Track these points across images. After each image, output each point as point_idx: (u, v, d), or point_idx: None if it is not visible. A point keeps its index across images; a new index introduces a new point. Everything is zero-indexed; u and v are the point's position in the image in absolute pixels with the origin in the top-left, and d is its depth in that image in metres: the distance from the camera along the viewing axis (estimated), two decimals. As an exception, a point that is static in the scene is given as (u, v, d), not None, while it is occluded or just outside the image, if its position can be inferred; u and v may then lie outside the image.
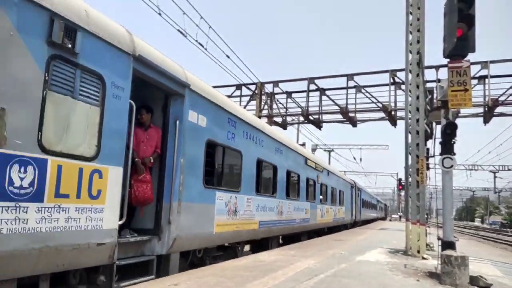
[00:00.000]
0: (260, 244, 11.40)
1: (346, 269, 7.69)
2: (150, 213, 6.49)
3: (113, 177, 4.99)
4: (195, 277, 6.06)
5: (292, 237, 14.85)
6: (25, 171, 3.86)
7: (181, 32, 10.86)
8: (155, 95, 6.75)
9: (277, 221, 11.72)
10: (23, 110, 3.88)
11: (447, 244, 7.23)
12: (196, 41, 11.52)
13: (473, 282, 6.72)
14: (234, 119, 8.75)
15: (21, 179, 3.82)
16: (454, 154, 7.76)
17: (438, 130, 10.19)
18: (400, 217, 59.81)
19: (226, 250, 9.25)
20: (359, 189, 33.64)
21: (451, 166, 7.62)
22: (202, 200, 7.40)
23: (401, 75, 18.23)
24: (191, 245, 7.16)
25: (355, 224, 30.37)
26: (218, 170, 8.32)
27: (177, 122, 6.64)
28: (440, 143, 7.91)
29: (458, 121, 8.18)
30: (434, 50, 9.14)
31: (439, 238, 7.67)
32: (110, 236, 4.87)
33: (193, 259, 7.57)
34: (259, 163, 10.32)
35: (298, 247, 11.80)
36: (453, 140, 7.75)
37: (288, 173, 12.95)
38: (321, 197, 18.31)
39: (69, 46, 4.35)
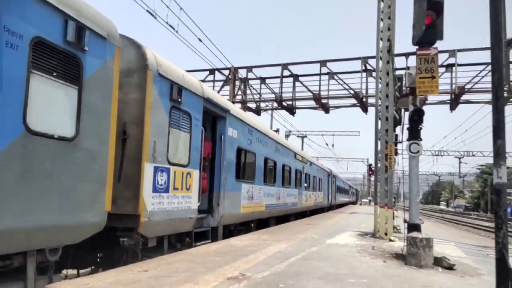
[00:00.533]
0: (263, 222, 14.55)
1: (317, 252, 7.85)
2: (205, 199, 9.19)
3: (195, 176, 8.05)
4: (166, 263, 6.03)
5: (283, 218, 17.97)
6: (162, 175, 6.83)
7: (150, 13, 10.54)
8: (206, 118, 8.90)
9: (276, 205, 15.17)
10: (161, 141, 6.82)
11: (413, 227, 7.50)
12: (167, 23, 11.22)
13: (437, 263, 7.02)
14: (251, 129, 11.98)
15: (161, 179, 6.80)
16: (421, 139, 7.99)
17: (406, 116, 10.47)
18: (369, 201, 61.51)
19: (244, 225, 12.30)
20: (334, 176, 36.96)
21: (418, 152, 7.85)
22: (234, 189, 10.48)
23: (372, 63, 18.52)
24: (229, 221, 10.39)
25: (330, 207, 34.31)
26: (242, 167, 11.30)
27: (222, 136, 9.77)
28: (408, 129, 8.11)
29: (425, 108, 8.39)
30: (404, 38, 9.28)
31: (405, 221, 7.93)
32: (194, 213, 7.97)
33: (227, 231, 10.64)
34: (266, 160, 13.64)
35: (271, 231, 11.94)
36: (420, 126, 7.97)
37: (283, 166, 16.27)
38: (305, 184, 21.70)
39: (179, 100, 7.39)
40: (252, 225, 13.05)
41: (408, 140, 8.14)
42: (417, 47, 7.84)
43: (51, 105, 4.53)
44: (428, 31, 7.56)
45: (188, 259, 6.50)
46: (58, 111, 4.63)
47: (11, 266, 4.26)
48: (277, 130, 26.36)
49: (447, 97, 18.69)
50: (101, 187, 5.26)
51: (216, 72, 21.59)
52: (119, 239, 6.22)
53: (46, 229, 4.41)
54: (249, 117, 12.61)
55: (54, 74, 4.56)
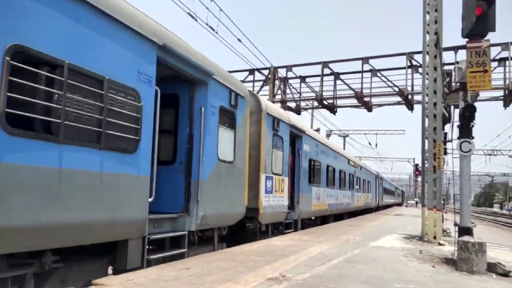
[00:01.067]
0: (324, 219, 17.60)
1: (360, 255, 7.61)
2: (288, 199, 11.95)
3: (286, 182, 11.30)
4: (207, 261, 6.07)
5: (339, 216, 20.86)
6: (269, 181, 9.94)
7: (191, 15, 10.72)
8: (290, 138, 11.83)
9: (335, 204, 18.32)
10: (268, 158, 9.92)
11: (464, 230, 7.08)
12: (207, 24, 11.36)
13: (491, 269, 6.56)
14: (318, 143, 15.15)
15: (269, 184, 9.90)
16: (473, 138, 7.53)
17: (456, 113, 9.93)
18: (416, 203, 59.18)
19: (313, 221, 15.95)
20: (381, 178, 39.75)
21: (469, 150, 7.41)
22: (308, 191, 13.61)
23: (418, 58, 17.76)
24: (305, 216, 13.60)
25: (378, 208, 36.56)
26: (312, 174, 14.30)
27: (299, 151, 12.80)
28: (458, 126, 7.68)
29: (477, 104, 7.89)
30: (452, 32, 8.81)
31: (455, 224, 7.50)
32: (285, 208, 11.23)
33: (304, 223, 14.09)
34: (327, 167, 16.86)
35: (312, 232, 11.76)
36: (471, 123, 7.52)
37: (340, 171, 19.56)
38: (357, 187, 24.58)
39: (277, 129, 10.50)
40: (317, 221, 16.65)
41: (458, 138, 7.71)
42: (467, 39, 7.41)
43: (224, 143, 7.66)
44: (479, 23, 7.13)
45: (229, 258, 6.52)
46: (226, 146, 7.72)
47: (208, 235, 7.60)
48: (317, 130, 26.04)
49: (500, 93, 17.58)
50: (244, 190, 8.53)
51: (256, 72, 21.64)
52: (246, 224, 9.62)
53: (225, 215, 7.81)
54: (316, 134, 17.01)
55: (226, 124, 7.74)
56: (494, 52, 16.51)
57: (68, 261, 4.61)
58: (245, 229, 9.74)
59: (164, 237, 6.18)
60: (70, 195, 4.21)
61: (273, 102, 20.54)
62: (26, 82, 3.77)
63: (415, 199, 63.62)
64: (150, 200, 5.53)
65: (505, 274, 6.39)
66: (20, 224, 3.70)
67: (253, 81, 21.83)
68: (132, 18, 5.20)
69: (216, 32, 11.91)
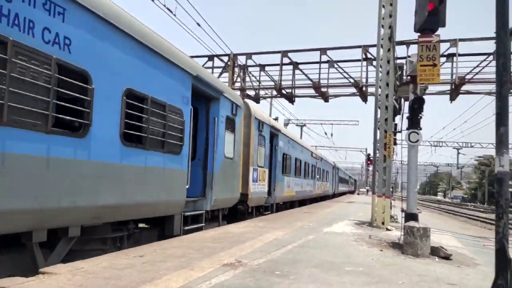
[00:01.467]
0: (292, 204, 20.64)
1: (314, 240, 7.83)
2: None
3: (266, 173, 13.90)
4: (162, 248, 5.99)
5: (303, 201, 23.54)
6: (255, 173, 12.57)
7: (149, -3, 10.33)
8: (266, 137, 14.35)
9: (301, 191, 21.36)
10: (255, 154, 12.51)
11: (410, 216, 7.46)
12: (164, 5, 11.01)
13: (434, 253, 6.99)
14: (289, 139, 18.37)
15: (255, 175, 12.55)
16: (420, 129, 7.90)
17: (406, 106, 10.36)
18: (367, 191, 61.66)
19: (283, 205, 18.48)
20: (337, 168, 43.79)
21: (417, 141, 7.78)
22: (281, 180, 16.38)
23: (373, 51, 18.30)
24: (278, 200, 16.23)
25: (334, 195, 40.37)
26: (284, 166, 16.96)
27: (276, 147, 15.62)
28: (407, 118, 8.02)
29: (425, 98, 8.27)
30: (406, 27, 9.13)
31: (402, 210, 7.89)
32: (266, 194, 13.96)
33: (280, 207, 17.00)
34: (296, 160, 19.71)
35: (268, 219, 11.94)
36: (420, 115, 7.88)
37: (305, 163, 22.62)
38: (317, 176, 27.53)
39: (261, 130, 13.02)
40: (287, 205, 19.66)
41: (407, 129, 8.06)
42: (419, 34, 7.71)
43: (228, 144, 10.12)
44: (430, 18, 7.42)
45: (184, 245, 6.47)
46: (229, 146, 10.22)
47: (215, 214, 10.00)
48: (276, 119, 26.23)
49: (447, 87, 18.56)
50: (239, 180, 11.13)
51: (216, 58, 21.36)
52: (237, 206, 11.81)
53: (228, 199, 10.34)
54: (289, 131, 20.42)
55: (229, 129, 10.19)
56: (443, 48, 17.38)
57: (139, 229, 7.12)
58: (237, 211, 12.07)
59: (194, 214, 8.70)
60: (150, 184, 6.66)
61: (233, 89, 20.42)
62: (133, 112, 6.14)
63: (366, 187, 66.29)
64: (187, 187, 7.98)
65: (447, 257, 6.83)
66: (126, 202, 6.05)
67: (212, 67, 21.55)
68: (180, 59, 7.68)
69: (174, 15, 11.58)
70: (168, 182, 7.17)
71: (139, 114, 6.29)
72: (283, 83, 20.60)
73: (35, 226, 4.60)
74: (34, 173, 4.45)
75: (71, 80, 4.89)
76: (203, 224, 8.99)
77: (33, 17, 4.38)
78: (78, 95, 5.06)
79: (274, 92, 22.08)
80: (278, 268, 5.08)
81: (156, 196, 6.78)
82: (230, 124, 10.31)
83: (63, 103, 4.79)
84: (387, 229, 10.51)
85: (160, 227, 7.67)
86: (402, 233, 7.25)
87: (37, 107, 4.45)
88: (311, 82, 19.85)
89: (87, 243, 5.83)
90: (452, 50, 17.57)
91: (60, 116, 4.79)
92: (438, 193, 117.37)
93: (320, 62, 19.64)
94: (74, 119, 5.09)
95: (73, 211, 5.05)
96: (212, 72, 21.16)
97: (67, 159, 4.93)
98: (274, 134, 15.21)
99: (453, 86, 17.99)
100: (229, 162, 10.28)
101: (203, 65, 20.94)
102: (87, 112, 5.19)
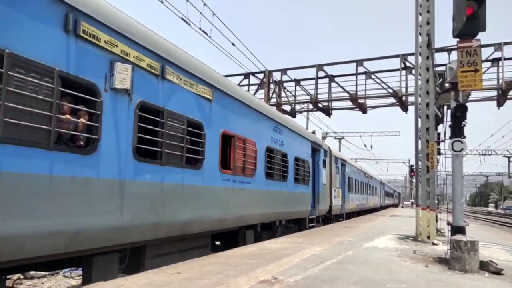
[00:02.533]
0: (353, 214, 25.93)
1: (353, 256, 7.59)
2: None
3: (340, 191, 20.94)
4: (198, 265, 6.03)
5: (363, 212, 30.61)
6: (334, 192, 19.48)
7: (184, 20, 10.71)
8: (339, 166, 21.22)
9: (359, 204, 27.57)
10: (334, 179, 19.32)
11: (457, 229, 7.07)
12: (200, 28, 11.35)
13: (484, 267, 6.56)
14: (351, 166, 24.71)
15: (335, 193, 19.73)
16: (464, 137, 7.53)
17: (448, 114, 9.95)
18: (412, 203, 59.24)
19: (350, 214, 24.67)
20: (383, 184, 49.65)
21: (461, 150, 7.41)
22: (347, 196, 22.78)
23: (411, 60, 17.82)
24: (348, 210, 23.37)
25: (381, 207, 45.45)
26: (349, 186, 23.79)
27: (344, 173, 21.85)
28: (450, 126, 7.69)
29: (470, 105, 7.92)
30: (445, 34, 8.83)
31: (448, 223, 7.50)
32: (340, 206, 21.28)
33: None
34: (355, 180, 26.42)
35: (305, 235, 11.73)
36: (463, 123, 7.52)
37: (361, 182, 28.81)
38: (369, 191, 33.35)
39: (337, 162, 20.36)
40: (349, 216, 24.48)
41: (450, 138, 7.71)
42: (458, 39, 7.43)
43: (323, 175, 16.75)
44: (469, 22, 7.17)
45: (222, 261, 6.48)
46: (324, 176, 16.72)
47: (316, 219, 16.22)
48: (313, 132, 26.03)
49: (493, 93, 17.67)
50: (328, 197, 18.03)
51: (251, 76, 21.63)
52: (325, 215, 18.12)
53: (324, 209, 17.10)
54: (351, 160, 27.54)
55: (324, 166, 16.72)
56: (487, 52, 16.62)
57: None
58: (325, 217, 17.93)
59: (311, 218, 15.06)
60: (297, 201, 13.29)
61: (269, 105, 20.55)
62: (297, 166, 12.65)
63: (411, 200, 63.74)
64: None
65: (497, 272, 6.38)
66: (291, 210, 12.69)
67: (248, 85, 21.82)
68: (308, 134, 15.92)
69: (210, 37, 11.90)
70: (304, 200, 13.90)
71: (297, 167, 13.02)
72: (319, 96, 20.47)
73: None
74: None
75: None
76: (314, 224, 15.48)
77: None
78: None
79: (310, 106, 21.97)
80: (315, 285, 4.96)
81: (300, 207, 13.39)
82: (324, 163, 16.88)
83: None
84: (433, 244, 10.00)
85: (298, 225, 14.04)
86: (449, 247, 6.87)
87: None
88: (348, 94, 19.58)
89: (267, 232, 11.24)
90: (497, 54, 16.76)
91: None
92: (489, 204, 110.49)
93: (356, 74, 19.38)
94: None
95: (275, 214, 11.29)
96: (248, 90, 21.42)
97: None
98: (343, 163, 21.83)
99: (499, 92, 17.09)
100: (324, 186, 16.71)
101: (239, 83, 21.29)
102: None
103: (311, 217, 14.90)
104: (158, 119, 6.10)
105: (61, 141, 4.53)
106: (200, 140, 7.27)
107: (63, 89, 4.45)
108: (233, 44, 14.88)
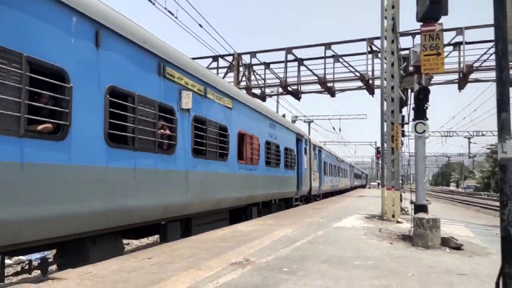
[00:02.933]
0: (326, 195, 27.90)
1: (323, 236, 7.80)
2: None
3: (317, 174, 23.60)
4: (170, 250, 6.03)
5: (336, 192, 33.38)
6: (313, 175, 22.20)
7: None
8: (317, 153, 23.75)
9: (332, 186, 30.20)
10: (313, 164, 22.01)
11: (419, 208, 7.39)
12: (165, 8, 11.04)
13: (445, 243, 6.92)
14: (326, 152, 27.37)
15: (313, 176, 22.23)
16: (427, 119, 7.81)
17: (412, 97, 10.24)
18: (378, 184, 61.23)
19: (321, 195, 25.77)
20: (352, 166, 52.37)
21: (424, 131, 7.69)
22: (323, 179, 25.58)
23: (378, 43, 18.14)
24: (323, 191, 25.84)
25: (351, 188, 47.83)
26: (324, 169, 26.59)
27: (321, 158, 24.55)
28: (413, 108, 7.93)
29: (433, 88, 8.20)
30: (411, 17, 9.01)
31: (411, 202, 7.82)
32: (318, 187, 23.98)
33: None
34: (330, 165, 29.04)
35: (277, 216, 11.92)
36: (425, 105, 7.78)
37: (334, 166, 31.29)
38: (341, 174, 36.13)
39: (314, 149, 22.93)
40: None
41: (414, 120, 7.97)
42: (421, 23, 7.62)
43: (305, 161, 19.37)
44: (433, 6, 7.33)
45: (193, 245, 6.50)
46: (305, 162, 19.32)
47: (300, 199, 18.64)
48: (283, 116, 26.19)
49: (455, 76, 18.31)
50: (308, 180, 20.32)
51: (220, 58, 21.39)
52: (306, 195, 20.85)
53: (306, 190, 19.58)
54: (327, 147, 30.03)
55: (305, 153, 19.27)
56: (449, 37, 17.18)
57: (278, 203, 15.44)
58: (305, 197, 20.12)
59: (296, 197, 17.56)
60: (286, 183, 15.99)
61: (239, 88, 20.43)
62: (286, 155, 14.62)
63: (377, 181, 65.86)
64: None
65: (458, 248, 6.76)
66: (281, 191, 15.31)
67: (217, 67, 21.57)
68: (293, 127, 18.67)
69: (176, 17, 11.61)
70: (292, 182, 16.46)
71: (286, 155, 15.60)
72: (288, 80, 20.55)
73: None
74: None
75: None
76: (299, 202, 18.02)
77: None
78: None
79: (280, 90, 22.04)
80: (286, 265, 5.08)
81: (289, 188, 15.92)
82: (305, 150, 19.29)
83: None
84: (398, 222, 10.43)
85: (286, 203, 16.25)
86: (412, 225, 7.18)
87: None
88: (316, 78, 19.76)
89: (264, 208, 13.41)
90: (459, 38, 17.32)
91: None
92: (451, 183, 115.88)
93: (325, 57, 19.53)
94: None
95: (272, 194, 13.94)
96: (217, 73, 21.20)
97: None
98: (320, 150, 24.30)
99: (461, 75, 17.74)
100: (306, 170, 19.29)
101: (207, 66, 21.01)
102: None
103: (296, 196, 17.54)
104: (203, 126, 8.39)
105: (160, 147, 6.92)
106: (226, 139, 9.55)
107: (160, 113, 6.80)
108: (201, 26, 14.61)
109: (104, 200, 5.44)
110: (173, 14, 11.42)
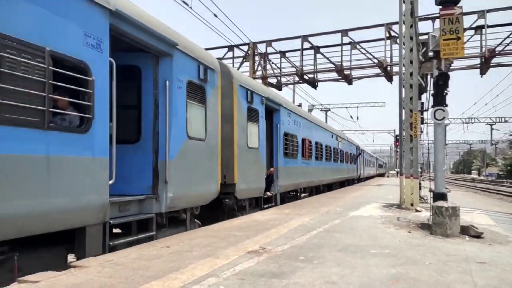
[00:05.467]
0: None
1: (339, 225, 7.79)
2: None
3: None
4: (188, 239, 6.12)
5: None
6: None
7: (163, -9, 10.40)
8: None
9: (368, 173, 45.97)
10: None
11: (439, 196, 7.27)
12: (180, -1, 11.04)
13: (464, 232, 6.81)
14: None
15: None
16: (446, 105, 7.63)
17: (432, 83, 10.01)
18: (397, 173, 60.45)
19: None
20: (377, 158, 60.04)
21: (443, 118, 7.52)
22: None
23: (396, 29, 17.76)
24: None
25: (373, 176, 52.18)
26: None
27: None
28: (432, 95, 7.77)
29: (454, 73, 7.98)
30: (429, 1, 8.76)
31: (430, 190, 7.70)
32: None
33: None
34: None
35: (293, 206, 11.94)
36: (445, 91, 7.60)
37: (369, 161, 47.59)
38: (371, 165, 46.08)
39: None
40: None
41: (433, 106, 7.81)
42: (440, 7, 7.41)
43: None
44: (452, -11, 7.12)
45: (210, 234, 6.58)
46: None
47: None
48: (300, 105, 26.05)
49: (476, 61, 17.82)
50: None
51: (235, 48, 21.33)
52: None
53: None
54: (367, 149, 47.76)
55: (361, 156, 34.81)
56: (470, 20, 16.63)
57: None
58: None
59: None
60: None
61: (254, 78, 20.38)
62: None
63: (396, 169, 65.02)
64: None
65: (477, 236, 6.64)
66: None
67: (233, 57, 21.54)
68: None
69: (191, 7, 11.61)
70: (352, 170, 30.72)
71: (352, 157, 30.25)
72: (304, 68, 20.37)
73: None
74: None
75: None
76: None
77: None
78: None
79: (296, 79, 21.88)
80: (302, 254, 5.10)
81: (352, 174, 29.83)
82: (358, 154, 33.01)
83: None
84: (416, 211, 10.31)
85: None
86: (431, 214, 7.09)
87: None
88: (333, 66, 19.52)
89: None
90: (480, 22, 16.77)
91: None
92: (473, 171, 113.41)
93: (342, 44, 19.25)
94: None
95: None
96: (233, 63, 21.18)
97: None
98: (363, 151, 29.99)
99: (482, 60, 17.23)
100: (360, 165, 35.59)
101: (223, 56, 21.00)
102: None
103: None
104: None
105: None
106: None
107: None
108: (216, 15, 14.58)
109: None
110: (187, 4, 11.41)
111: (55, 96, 4.50)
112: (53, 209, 4.36)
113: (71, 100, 4.79)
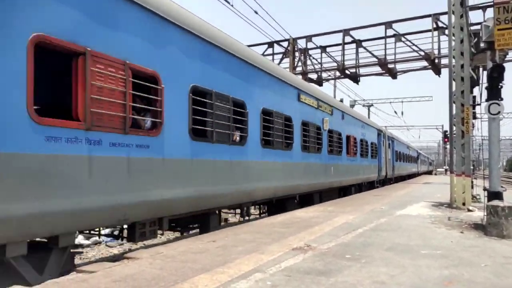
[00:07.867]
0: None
1: (386, 223, 7.58)
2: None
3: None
4: (233, 234, 6.21)
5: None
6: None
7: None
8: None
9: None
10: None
11: (494, 195, 6.89)
12: (222, -3, 11.16)
13: (523, 233, 6.40)
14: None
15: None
16: (502, 99, 7.21)
17: (484, 75, 9.49)
18: (446, 170, 57.92)
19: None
20: (419, 152, 53.94)
21: (498, 113, 7.11)
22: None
23: (444, 19, 16.96)
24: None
25: (418, 174, 49.55)
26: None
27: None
28: (486, 88, 7.36)
29: (508, 65, 7.51)
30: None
31: (485, 189, 7.31)
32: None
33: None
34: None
35: (336, 203, 11.77)
36: (500, 84, 7.18)
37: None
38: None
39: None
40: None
41: (487, 100, 7.39)
42: (495, -5, 6.98)
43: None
44: (508, -25, 6.68)
45: (254, 230, 6.64)
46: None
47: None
48: (341, 100, 25.57)
49: (534, 51, 16.61)
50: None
51: (275, 44, 21.27)
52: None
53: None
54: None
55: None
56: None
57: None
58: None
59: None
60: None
61: (294, 74, 20.25)
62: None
63: (444, 167, 62.28)
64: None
65: (538, 238, 6.22)
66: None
67: (273, 54, 21.49)
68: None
69: (231, 5, 11.70)
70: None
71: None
72: (346, 63, 19.94)
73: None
74: None
75: None
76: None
77: None
78: None
79: (337, 73, 21.49)
80: (348, 252, 5.02)
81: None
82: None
83: None
84: (469, 210, 9.81)
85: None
86: (485, 213, 6.73)
87: None
88: (376, 60, 18.97)
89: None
90: (539, 8, 15.61)
91: None
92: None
93: (385, 37, 18.64)
94: None
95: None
96: (273, 59, 21.15)
97: None
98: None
99: (541, 49, 16.04)
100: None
101: (263, 53, 21.00)
102: None
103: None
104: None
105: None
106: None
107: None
108: (256, 12, 14.60)
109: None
110: (229, 3, 11.52)
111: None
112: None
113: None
